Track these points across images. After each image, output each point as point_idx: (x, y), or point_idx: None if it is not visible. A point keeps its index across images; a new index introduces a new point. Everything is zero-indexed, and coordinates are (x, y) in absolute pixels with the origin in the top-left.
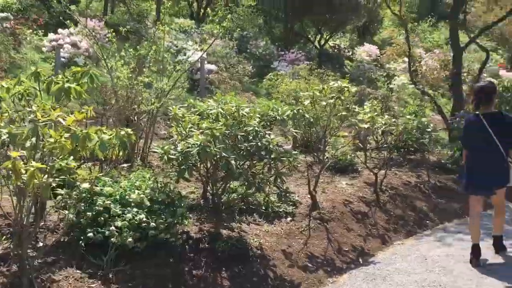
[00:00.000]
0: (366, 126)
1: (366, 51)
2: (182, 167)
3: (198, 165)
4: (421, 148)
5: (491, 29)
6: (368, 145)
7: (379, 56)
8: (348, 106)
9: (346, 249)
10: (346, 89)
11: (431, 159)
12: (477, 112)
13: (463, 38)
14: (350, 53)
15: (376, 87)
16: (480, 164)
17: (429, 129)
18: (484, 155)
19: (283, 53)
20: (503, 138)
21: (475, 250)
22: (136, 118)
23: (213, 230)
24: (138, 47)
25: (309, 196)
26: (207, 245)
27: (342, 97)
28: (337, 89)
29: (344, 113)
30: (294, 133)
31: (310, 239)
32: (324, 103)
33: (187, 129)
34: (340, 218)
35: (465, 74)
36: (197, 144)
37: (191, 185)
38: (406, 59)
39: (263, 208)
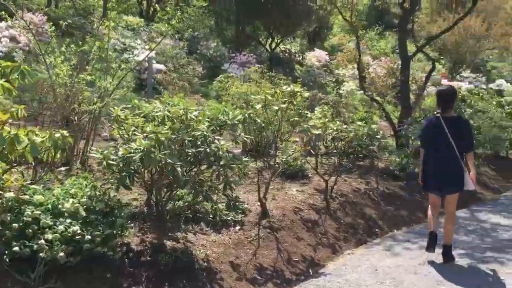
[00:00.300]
0: (318, 132)
1: (316, 57)
2: (123, 173)
3: (141, 172)
4: (370, 155)
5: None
6: (318, 150)
7: (328, 62)
8: (300, 111)
9: (296, 259)
10: (298, 93)
11: (380, 166)
12: (437, 114)
13: (410, 47)
14: (301, 58)
15: (326, 92)
16: (435, 164)
17: (378, 136)
18: (440, 156)
19: (234, 55)
20: (459, 141)
21: (431, 237)
22: (76, 118)
23: (156, 241)
24: (81, 43)
25: (258, 203)
26: (149, 258)
27: (295, 102)
28: (289, 93)
29: (296, 118)
30: (245, 139)
31: (259, 249)
32: (276, 107)
33: (130, 132)
34: (291, 227)
35: (411, 83)
36: (140, 149)
37: (134, 191)
38: (355, 66)
39: (211, 216)
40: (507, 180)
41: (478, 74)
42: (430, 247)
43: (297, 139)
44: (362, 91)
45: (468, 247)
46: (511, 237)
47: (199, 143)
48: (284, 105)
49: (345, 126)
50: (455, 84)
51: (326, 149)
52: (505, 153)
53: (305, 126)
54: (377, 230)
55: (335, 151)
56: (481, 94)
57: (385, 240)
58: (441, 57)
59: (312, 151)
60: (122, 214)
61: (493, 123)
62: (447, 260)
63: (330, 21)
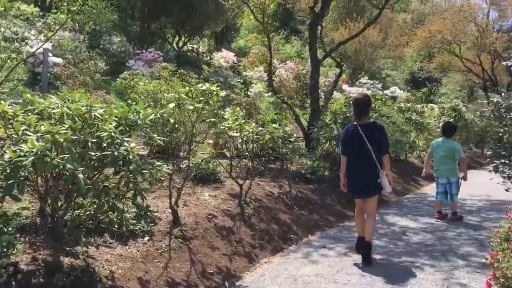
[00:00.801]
0: (236, 134)
1: (224, 57)
2: (10, 181)
3: (34, 178)
4: (282, 158)
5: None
6: (228, 153)
7: (235, 63)
8: (216, 111)
9: (211, 271)
10: (214, 93)
11: (291, 169)
12: (355, 122)
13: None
14: (208, 58)
15: (234, 94)
16: (355, 170)
17: (292, 139)
18: (359, 162)
19: (140, 52)
20: (376, 146)
21: (359, 242)
22: None
23: (51, 259)
24: None
25: (169, 210)
26: (42, 280)
27: (211, 102)
28: (204, 92)
29: (212, 119)
30: (159, 141)
31: (171, 261)
32: (191, 107)
33: (20, 132)
34: (204, 235)
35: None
36: (32, 151)
37: (25, 198)
38: (262, 68)
39: (116, 226)
40: (407, 182)
41: (374, 80)
42: (359, 249)
43: (210, 141)
44: (270, 93)
45: (383, 251)
46: (421, 240)
47: (105, 145)
48: (199, 105)
49: (260, 129)
50: (355, 90)
51: (237, 152)
52: (404, 156)
53: (221, 127)
54: (292, 236)
55: (246, 153)
56: (383, 99)
57: (301, 247)
58: (342, 64)
59: (227, 154)
60: (9, 228)
61: (396, 127)
62: (367, 262)
63: (237, 24)
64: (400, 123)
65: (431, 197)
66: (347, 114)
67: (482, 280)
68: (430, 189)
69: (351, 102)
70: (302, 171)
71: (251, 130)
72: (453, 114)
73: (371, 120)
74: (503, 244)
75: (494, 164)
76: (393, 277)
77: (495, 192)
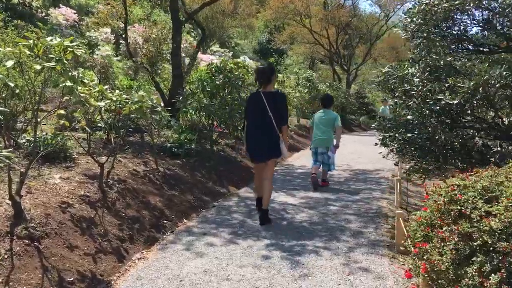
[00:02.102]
0: (101, 103)
1: (63, 15)
2: None
3: None
4: (144, 130)
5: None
6: (84, 126)
7: (77, 22)
8: (71, 73)
9: (71, 279)
10: (69, 49)
11: (155, 142)
12: (259, 90)
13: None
14: (44, 14)
15: None
16: (256, 135)
17: (159, 109)
18: (260, 127)
19: None
20: (277, 113)
21: (259, 201)
22: None
23: None
24: None
25: (8, 202)
26: None
27: (65, 61)
28: (59, 48)
29: (68, 83)
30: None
31: (14, 272)
32: (38, 66)
33: None
34: (58, 232)
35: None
36: None
37: None
38: (108, 30)
39: None
40: None
41: (225, 49)
42: (259, 209)
43: (62, 111)
44: (119, 57)
45: (269, 235)
46: (306, 218)
47: None
48: (51, 64)
49: (126, 97)
50: (206, 57)
51: (90, 123)
52: None
53: (82, 95)
54: (166, 222)
55: (100, 125)
56: (246, 68)
57: (179, 236)
58: (193, 30)
59: (87, 128)
60: None
61: None
62: (263, 222)
63: None
64: None
65: (299, 169)
66: (217, 82)
67: (381, 263)
68: (295, 159)
69: (256, 71)
70: (168, 145)
71: (115, 99)
72: (307, 85)
73: (274, 89)
74: (431, 233)
75: (380, 137)
76: (290, 267)
77: (352, 163)
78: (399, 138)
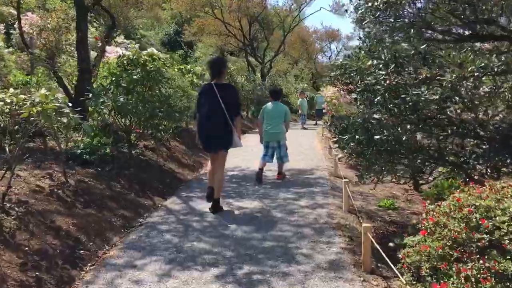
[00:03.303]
0: None
1: None
2: None
3: None
4: (48, 134)
5: None
6: None
7: None
8: None
9: None
10: None
11: (60, 148)
12: (212, 82)
13: None
14: None
15: None
16: (208, 126)
17: (67, 110)
18: (212, 118)
19: None
20: (229, 105)
21: (210, 191)
22: None
23: None
24: None
25: None
26: None
27: None
28: None
29: None
30: None
31: None
32: None
33: None
34: None
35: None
36: None
37: None
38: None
39: None
40: (198, 154)
41: (131, 40)
42: (209, 198)
43: None
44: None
45: (216, 260)
46: (255, 234)
47: None
48: None
49: (24, 97)
50: (111, 49)
51: None
52: (185, 125)
53: None
54: (82, 252)
55: None
56: (162, 60)
57: (101, 273)
58: (95, 20)
59: None
60: None
61: (183, 92)
62: (215, 211)
63: None
64: (186, 87)
65: (231, 171)
66: (134, 77)
67: None
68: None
69: (207, 63)
70: (78, 151)
71: (9, 100)
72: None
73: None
74: (450, 270)
75: (336, 139)
76: None
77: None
78: (360, 139)
